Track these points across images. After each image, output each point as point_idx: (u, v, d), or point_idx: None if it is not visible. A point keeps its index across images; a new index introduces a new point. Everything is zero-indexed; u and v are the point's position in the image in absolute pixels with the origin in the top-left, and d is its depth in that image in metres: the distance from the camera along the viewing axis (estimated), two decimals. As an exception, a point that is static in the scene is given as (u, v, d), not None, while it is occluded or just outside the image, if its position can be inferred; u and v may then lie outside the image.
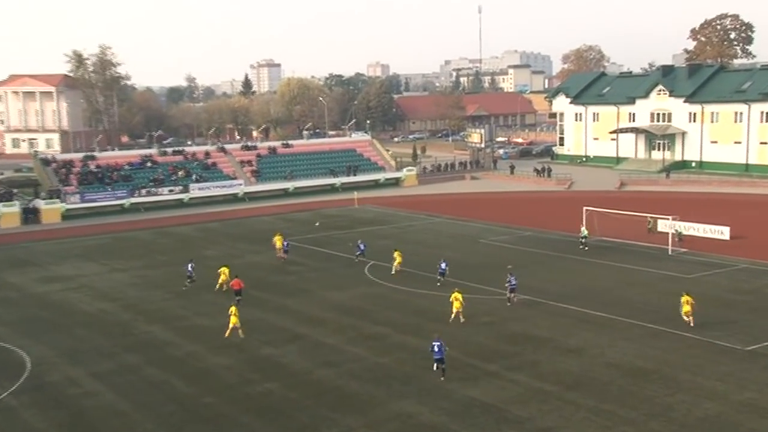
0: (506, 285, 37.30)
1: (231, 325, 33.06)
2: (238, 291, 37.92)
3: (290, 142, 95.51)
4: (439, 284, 40.57)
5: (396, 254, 44.35)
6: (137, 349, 32.46)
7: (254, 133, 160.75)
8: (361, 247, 47.64)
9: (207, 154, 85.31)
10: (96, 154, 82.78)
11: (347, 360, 30.15)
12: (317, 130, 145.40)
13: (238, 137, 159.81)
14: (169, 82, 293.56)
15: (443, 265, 41.54)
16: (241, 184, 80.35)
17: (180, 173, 79.11)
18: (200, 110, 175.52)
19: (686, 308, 32.92)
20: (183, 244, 57.07)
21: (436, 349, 27.95)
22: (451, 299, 34.40)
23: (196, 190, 77.58)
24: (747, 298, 37.34)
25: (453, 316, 34.11)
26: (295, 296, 40.27)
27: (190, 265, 43.01)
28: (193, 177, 78.98)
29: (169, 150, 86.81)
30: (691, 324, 32.57)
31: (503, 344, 31.37)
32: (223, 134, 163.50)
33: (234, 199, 78.30)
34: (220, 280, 41.16)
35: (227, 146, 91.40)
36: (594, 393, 26.09)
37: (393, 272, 43.83)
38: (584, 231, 49.75)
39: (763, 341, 30.67)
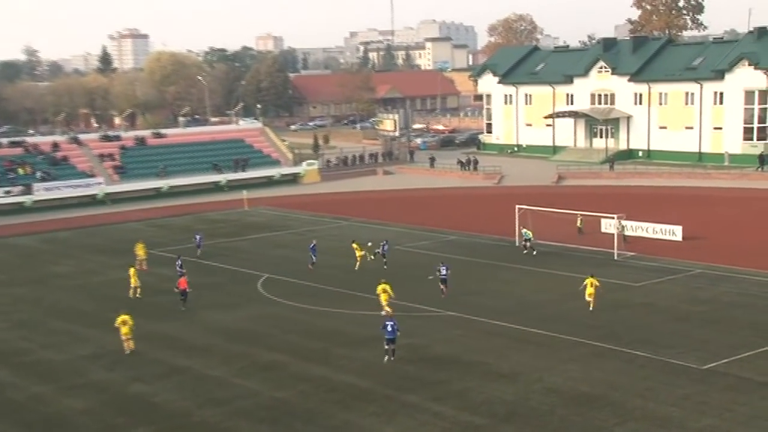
0: (436, 274, 41.79)
1: (123, 336, 34.31)
2: (184, 291, 40.93)
3: (163, 131, 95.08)
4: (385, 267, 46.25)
5: (355, 245, 47.95)
6: (-34, 392, 31.03)
7: (116, 120, 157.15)
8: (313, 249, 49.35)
9: (55, 145, 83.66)
10: None
11: (237, 396, 29.76)
12: (196, 117, 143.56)
13: (95, 125, 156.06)
14: (2, 56, 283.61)
15: (386, 247, 47.77)
16: (100, 183, 78.96)
17: (20, 170, 77.07)
18: (45, 91, 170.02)
19: (590, 290, 37.78)
20: (24, 258, 55.49)
21: (389, 328, 31.44)
22: (378, 292, 37.28)
23: (42, 192, 75.55)
24: (703, 309, 38.92)
25: (384, 311, 36.75)
26: (172, 319, 39.56)
27: (178, 262, 46.01)
28: (38, 175, 77.14)
29: (5, 141, 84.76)
30: (591, 308, 37.58)
31: (425, 370, 31.58)
32: (76, 121, 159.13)
33: (92, 201, 76.93)
34: (132, 284, 43.07)
35: (82, 136, 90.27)
36: (531, 425, 26.57)
37: (356, 267, 47.49)
38: (527, 233, 50.57)
39: (722, 358, 31.92)
